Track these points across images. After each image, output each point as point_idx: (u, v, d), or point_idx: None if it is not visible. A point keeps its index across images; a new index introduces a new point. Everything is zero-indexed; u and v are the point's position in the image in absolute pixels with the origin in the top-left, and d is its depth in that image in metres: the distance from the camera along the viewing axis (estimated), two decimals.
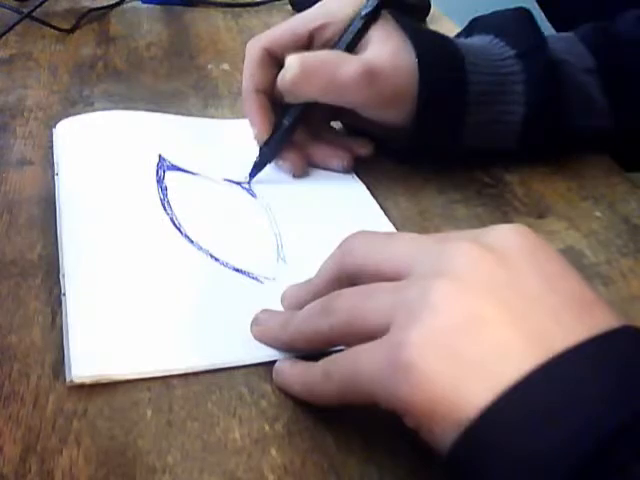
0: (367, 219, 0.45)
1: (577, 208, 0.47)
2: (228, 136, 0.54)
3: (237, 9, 0.86)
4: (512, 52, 0.47)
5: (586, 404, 0.23)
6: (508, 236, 0.28)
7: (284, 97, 0.47)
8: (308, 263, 0.34)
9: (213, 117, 0.57)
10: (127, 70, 0.67)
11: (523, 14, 0.49)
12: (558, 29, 0.83)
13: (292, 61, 0.45)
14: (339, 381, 0.28)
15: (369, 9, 0.46)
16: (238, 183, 0.48)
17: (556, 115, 0.47)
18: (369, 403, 0.27)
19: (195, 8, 0.86)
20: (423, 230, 0.44)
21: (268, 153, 0.48)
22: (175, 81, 0.64)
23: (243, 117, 0.57)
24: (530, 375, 0.23)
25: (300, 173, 0.49)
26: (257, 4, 0.87)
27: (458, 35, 0.53)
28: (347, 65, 0.44)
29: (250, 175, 0.48)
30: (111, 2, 0.84)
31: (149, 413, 0.31)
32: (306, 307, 0.32)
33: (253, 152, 0.51)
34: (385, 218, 0.45)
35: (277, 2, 0.87)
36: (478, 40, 0.49)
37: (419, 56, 0.45)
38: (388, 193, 0.48)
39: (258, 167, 0.48)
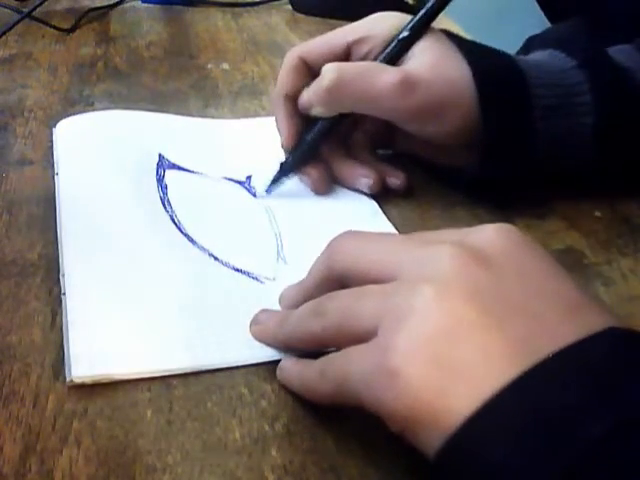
0: (367, 219, 0.45)
1: (577, 208, 0.47)
2: (228, 135, 0.54)
3: (237, 9, 0.86)
4: (574, 63, 0.45)
5: (571, 411, 0.23)
6: (493, 237, 0.28)
7: (313, 109, 0.46)
8: (308, 263, 0.34)
9: (213, 117, 0.57)
10: (127, 70, 0.67)
11: (580, 25, 0.47)
12: None
13: (329, 69, 0.44)
14: (332, 381, 0.28)
15: (415, 22, 0.44)
16: (238, 182, 0.48)
17: (629, 124, 0.45)
18: (358, 405, 0.27)
19: (195, 8, 0.86)
20: (422, 230, 0.44)
21: (288, 168, 0.47)
22: (175, 81, 0.64)
23: (242, 117, 0.58)
24: (515, 382, 0.23)
25: (321, 191, 0.47)
26: (257, 4, 0.87)
27: (517, 54, 0.50)
28: (384, 74, 0.43)
29: (267, 189, 0.47)
30: (111, 2, 0.84)
31: (149, 413, 0.31)
32: (300, 308, 0.32)
33: (253, 151, 0.51)
34: (385, 218, 0.45)
35: (277, 2, 0.87)
36: (537, 55, 0.47)
37: (474, 69, 0.43)
38: (388, 193, 0.47)
39: (276, 181, 0.47)
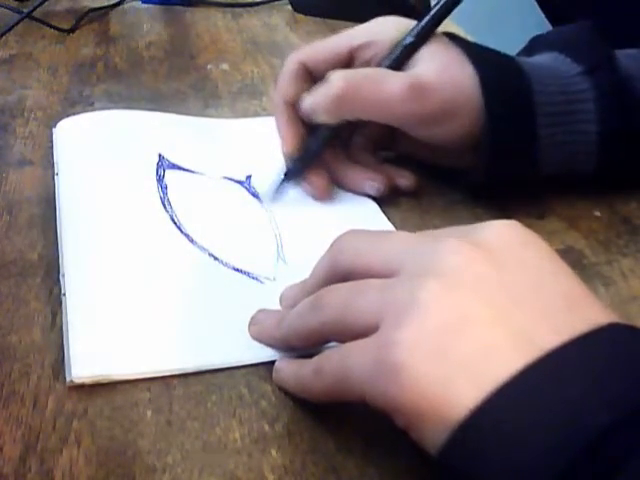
0: (367, 219, 0.45)
1: (577, 208, 0.47)
2: (228, 135, 0.54)
3: (237, 9, 0.86)
4: (579, 69, 0.45)
5: (574, 405, 0.23)
6: (498, 233, 0.28)
7: (316, 116, 0.45)
8: (308, 263, 0.34)
9: (213, 117, 0.57)
10: (127, 70, 0.67)
11: (587, 28, 0.47)
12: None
13: (336, 77, 0.43)
14: (329, 378, 0.28)
15: (421, 27, 0.44)
16: (238, 182, 0.48)
17: (632, 133, 0.45)
18: (358, 401, 0.27)
19: (195, 8, 0.86)
20: (422, 230, 0.44)
21: (292, 175, 0.46)
22: (175, 81, 0.64)
23: (242, 117, 0.58)
24: (518, 375, 0.23)
25: (324, 198, 0.46)
26: (257, 4, 0.87)
27: (519, 54, 0.50)
28: (392, 80, 0.43)
29: (272, 197, 0.46)
30: (111, 2, 0.84)
31: (149, 413, 0.31)
32: (298, 304, 0.32)
33: (253, 151, 0.51)
34: (385, 218, 0.45)
35: (277, 2, 0.87)
36: (542, 58, 0.46)
37: (480, 74, 0.42)
38: (388, 193, 0.47)
39: (280, 189, 0.46)
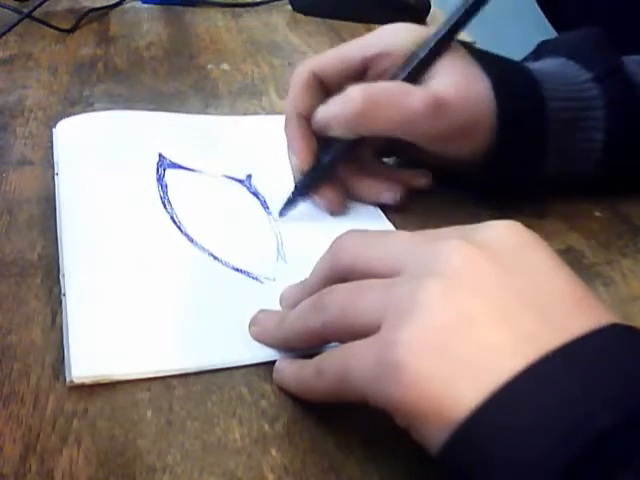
0: (367, 219, 0.45)
1: (577, 208, 0.47)
2: (228, 133, 0.54)
3: (237, 9, 0.86)
4: (589, 75, 0.44)
5: (575, 405, 0.23)
6: (499, 233, 0.28)
7: (331, 131, 0.43)
8: (308, 263, 0.34)
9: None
10: (127, 70, 0.67)
11: (595, 34, 0.47)
12: (558, 30, 0.83)
13: (354, 92, 0.41)
14: (330, 378, 0.28)
15: (438, 39, 0.43)
16: (238, 180, 0.48)
17: (637, 140, 0.45)
18: (360, 401, 0.27)
19: (195, 8, 0.86)
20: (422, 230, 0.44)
21: (303, 190, 0.45)
22: (175, 81, 0.64)
23: (242, 116, 0.58)
24: (519, 375, 0.23)
25: (338, 211, 0.45)
26: (257, 4, 0.87)
27: (526, 58, 0.50)
28: (414, 96, 0.41)
29: (281, 212, 0.45)
30: (111, 2, 0.84)
31: (149, 413, 0.31)
32: (299, 305, 0.32)
33: (253, 149, 0.51)
34: (385, 218, 0.45)
35: (277, 2, 0.87)
36: (550, 63, 0.46)
37: (495, 85, 0.42)
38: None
39: (291, 203, 0.45)
